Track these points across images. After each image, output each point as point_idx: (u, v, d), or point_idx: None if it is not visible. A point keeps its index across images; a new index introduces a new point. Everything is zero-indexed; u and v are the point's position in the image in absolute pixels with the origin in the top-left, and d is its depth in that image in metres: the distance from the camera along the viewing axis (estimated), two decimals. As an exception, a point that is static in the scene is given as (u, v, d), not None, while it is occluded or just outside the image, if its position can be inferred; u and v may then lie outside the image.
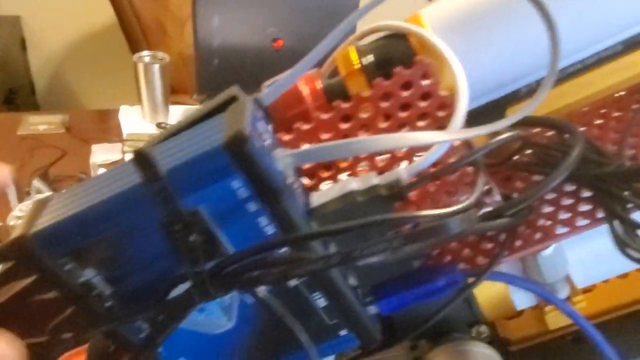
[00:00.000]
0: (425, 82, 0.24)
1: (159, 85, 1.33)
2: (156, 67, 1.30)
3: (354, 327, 0.26)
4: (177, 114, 1.43)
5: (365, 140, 0.21)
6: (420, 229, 0.18)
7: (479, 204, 0.21)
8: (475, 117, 0.31)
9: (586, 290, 0.38)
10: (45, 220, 0.22)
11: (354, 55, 0.28)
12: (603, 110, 0.30)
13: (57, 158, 1.13)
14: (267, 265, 0.21)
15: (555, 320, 0.35)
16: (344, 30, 0.24)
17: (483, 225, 0.23)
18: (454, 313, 0.34)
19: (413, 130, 0.25)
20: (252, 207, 0.21)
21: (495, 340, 0.39)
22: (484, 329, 0.38)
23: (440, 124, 0.24)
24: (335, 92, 0.29)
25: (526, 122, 0.26)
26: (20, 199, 1.04)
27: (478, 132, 0.22)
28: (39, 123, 1.27)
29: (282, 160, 0.22)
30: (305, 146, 0.22)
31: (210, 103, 0.24)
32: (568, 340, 0.37)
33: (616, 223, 0.25)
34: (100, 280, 0.23)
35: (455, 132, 0.22)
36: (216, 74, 1.25)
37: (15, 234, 0.22)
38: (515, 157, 0.30)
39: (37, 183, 1.02)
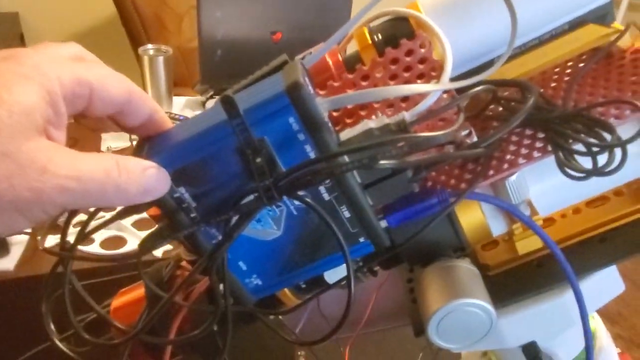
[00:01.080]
0: (422, 50, 0.33)
1: (163, 77, 1.40)
2: (160, 60, 1.38)
3: (370, 234, 0.34)
4: (179, 104, 1.50)
5: (381, 89, 0.30)
6: (418, 142, 0.27)
7: (459, 130, 0.30)
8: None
9: (548, 225, 0.47)
10: (153, 151, 0.31)
11: (367, 34, 0.37)
12: (556, 75, 0.40)
13: (70, 146, 1.20)
14: (312, 175, 0.29)
15: (524, 246, 0.45)
16: (362, 14, 0.33)
17: (465, 152, 0.32)
18: (445, 240, 0.43)
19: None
20: (302, 137, 0.30)
21: (476, 267, 0.48)
22: (467, 260, 0.47)
23: (433, 81, 0.33)
24: (352, 62, 0.37)
25: (494, 83, 0.35)
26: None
27: (458, 84, 0.31)
28: (49, 113, 1.34)
29: (322, 104, 0.31)
30: (336, 96, 0.31)
31: (267, 67, 0.32)
32: (533, 265, 0.46)
33: (561, 154, 0.34)
34: (189, 196, 0.32)
35: (443, 84, 0.31)
36: (219, 65, 1.34)
37: (130, 159, 0.31)
38: (488, 110, 0.39)
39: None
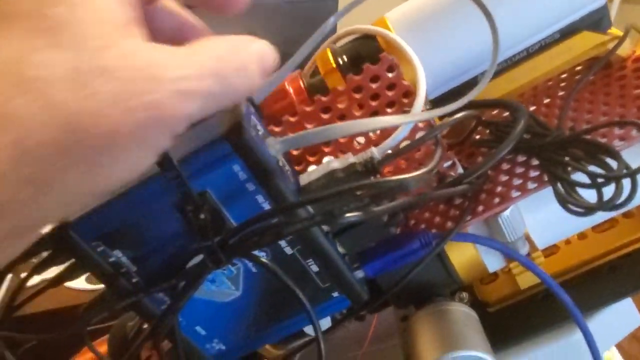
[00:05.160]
0: (390, 75, 0.28)
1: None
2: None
3: (343, 288, 0.30)
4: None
5: (339, 126, 0.25)
6: (384, 189, 0.22)
7: (434, 170, 0.25)
8: (438, 103, 0.35)
9: (552, 253, 0.43)
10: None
11: (330, 57, 0.33)
12: (549, 91, 0.35)
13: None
14: (264, 232, 0.25)
15: (525, 280, 0.40)
16: (322, 34, 0.28)
17: (445, 191, 0.28)
18: (437, 281, 0.38)
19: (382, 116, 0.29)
20: (251, 186, 0.25)
21: (475, 304, 0.43)
22: (464, 295, 0.43)
23: (406, 110, 0.29)
24: (316, 89, 0.33)
25: (478, 104, 0.30)
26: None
27: (432, 114, 0.27)
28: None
29: (273, 146, 0.26)
30: (291, 134, 0.26)
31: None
32: (539, 298, 0.41)
33: (560, 186, 0.29)
34: (127, 259, 0.27)
35: (415, 115, 0.27)
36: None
37: (53, 224, 0.26)
38: (476, 136, 0.35)
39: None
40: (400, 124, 0.26)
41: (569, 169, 0.29)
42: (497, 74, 0.35)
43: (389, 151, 0.28)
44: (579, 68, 0.34)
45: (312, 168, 0.29)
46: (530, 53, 0.34)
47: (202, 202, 0.25)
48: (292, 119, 0.30)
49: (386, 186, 0.23)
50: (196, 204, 0.25)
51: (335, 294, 0.30)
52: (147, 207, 0.26)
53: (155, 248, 0.27)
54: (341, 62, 0.33)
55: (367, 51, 0.32)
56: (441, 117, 0.31)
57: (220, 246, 0.25)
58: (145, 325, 0.44)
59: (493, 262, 0.37)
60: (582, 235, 0.41)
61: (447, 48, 0.32)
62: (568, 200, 0.28)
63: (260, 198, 0.26)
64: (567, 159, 0.29)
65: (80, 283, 0.93)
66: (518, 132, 0.29)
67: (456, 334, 0.34)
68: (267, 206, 0.26)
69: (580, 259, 0.40)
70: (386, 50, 0.32)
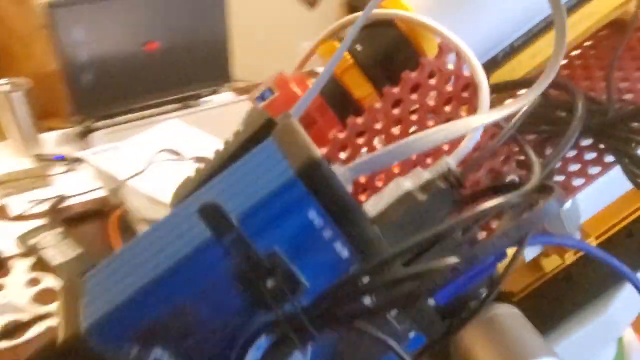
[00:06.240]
0: (451, 67, 0.24)
1: (26, 114, 1.20)
2: (19, 95, 1.17)
3: (420, 326, 0.25)
4: (50, 141, 1.30)
5: (416, 140, 0.20)
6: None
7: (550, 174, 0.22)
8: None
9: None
10: (96, 308, 0.19)
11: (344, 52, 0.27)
12: (578, 61, 0.32)
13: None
14: (358, 294, 0.19)
15: (551, 263, 0.38)
16: (354, 34, 0.23)
17: (525, 189, 0.24)
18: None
19: (440, 118, 0.24)
20: (328, 234, 0.20)
21: (500, 297, 0.40)
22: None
23: (466, 104, 0.24)
24: (333, 94, 0.27)
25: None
26: None
27: (511, 109, 0.22)
28: None
29: (342, 176, 0.20)
30: (359, 159, 0.21)
31: (243, 133, 0.21)
32: (560, 280, 0.40)
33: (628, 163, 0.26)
34: (171, 356, 0.20)
35: (492, 113, 0.22)
36: (90, 90, 1.15)
37: (63, 333, 0.19)
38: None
39: None
40: (483, 124, 0.22)
41: (633, 144, 0.26)
42: (518, 50, 0.31)
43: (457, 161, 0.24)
44: (601, 34, 0.32)
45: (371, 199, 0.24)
46: (549, 23, 0.31)
47: (272, 266, 0.19)
48: (340, 135, 0.24)
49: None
50: (264, 269, 0.19)
51: (412, 334, 0.25)
52: (197, 285, 0.19)
53: (206, 335, 0.20)
54: (358, 57, 0.27)
55: (387, 40, 0.27)
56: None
57: (306, 314, 0.19)
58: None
59: (529, 252, 0.35)
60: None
61: (475, 27, 0.28)
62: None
63: (338, 245, 0.20)
64: (632, 135, 0.26)
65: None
66: (580, 115, 0.25)
67: (521, 342, 0.31)
68: (346, 254, 0.20)
69: (600, 229, 0.39)
70: (409, 35, 0.27)
